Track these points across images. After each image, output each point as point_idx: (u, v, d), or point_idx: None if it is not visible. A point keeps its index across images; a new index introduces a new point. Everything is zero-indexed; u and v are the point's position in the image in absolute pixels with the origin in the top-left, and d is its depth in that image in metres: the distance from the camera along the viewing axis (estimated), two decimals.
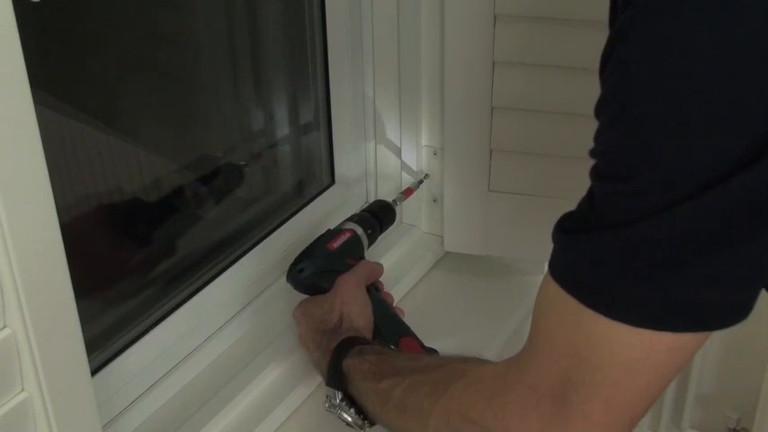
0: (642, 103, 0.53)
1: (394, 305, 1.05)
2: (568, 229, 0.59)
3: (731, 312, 0.56)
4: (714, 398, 1.74)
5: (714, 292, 0.55)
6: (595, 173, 0.57)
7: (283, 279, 1.04)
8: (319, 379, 0.95)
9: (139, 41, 0.93)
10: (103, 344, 0.88)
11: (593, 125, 0.60)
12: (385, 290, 1.06)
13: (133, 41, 0.92)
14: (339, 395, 0.86)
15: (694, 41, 0.50)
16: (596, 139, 0.57)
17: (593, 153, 0.57)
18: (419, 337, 0.98)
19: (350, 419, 0.85)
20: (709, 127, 0.51)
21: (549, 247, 0.62)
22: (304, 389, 0.97)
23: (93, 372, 0.80)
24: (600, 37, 0.57)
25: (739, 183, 0.51)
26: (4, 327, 0.58)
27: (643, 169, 0.53)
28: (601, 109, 0.56)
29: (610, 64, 0.55)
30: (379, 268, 1.05)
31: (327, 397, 0.88)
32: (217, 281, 1.01)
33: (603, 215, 0.56)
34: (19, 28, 0.53)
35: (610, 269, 0.56)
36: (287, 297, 1.04)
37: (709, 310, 0.56)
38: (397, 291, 1.13)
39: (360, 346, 0.88)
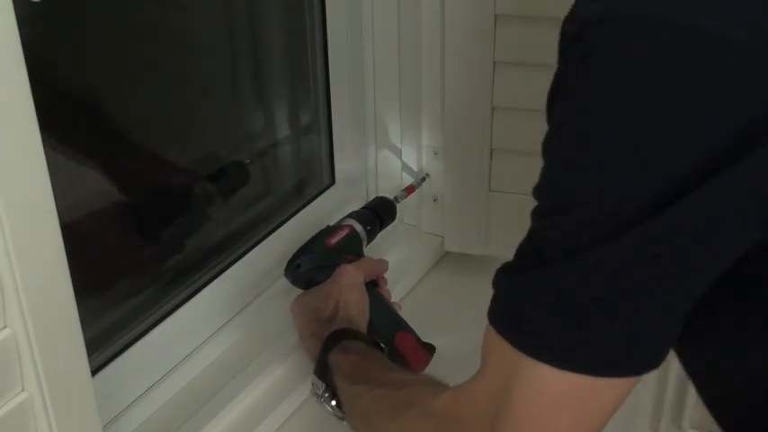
0: (572, 146, 0.56)
1: (392, 301, 1.05)
2: (499, 271, 0.62)
3: (644, 359, 0.57)
4: None
5: (628, 337, 0.56)
6: (533, 210, 0.59)
7: (284, 279, 1.04)
8: None
9: (140, 42, 0.93)
10: (103, 344, 0.88)
11: None
12: (386, 287, 1.06)
13: (133, 42, 0.92)
14: (323, 386, 0.89)
15: (617, 96, 0.53)
16: (540, 176, 0.59)
17: (534, 191, 0.60)
18: (418, 335, 0.99)
19: (330, 410, 0.88)
20: (630, 168, 0.53)
21: None
22: (304, 389, 0.97)
23: (94, 372, 0.80)
24: None
25: (662, 222, 0.52)
26: (5, 327, 0.58)
27: (570, 205, 0.56)
28: (544, 148, 0.59)
29: (553, 107, 0.58)
30: (381, 265, 1.05)
31: (313, 385, 0.90)
32: (217, 281, 1.01)
33: (537, 251, 0.58)
34: (19, 28, 0.53)
35: (522, 309, 0.59)
36: (288, 297, 1.04)
37: (622, 355, 0.56)
38: (398, 291, 1.13)
39: (347, 341, 0.90)
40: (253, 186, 1.13)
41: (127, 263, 0.97)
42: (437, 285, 1.20)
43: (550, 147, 0.58)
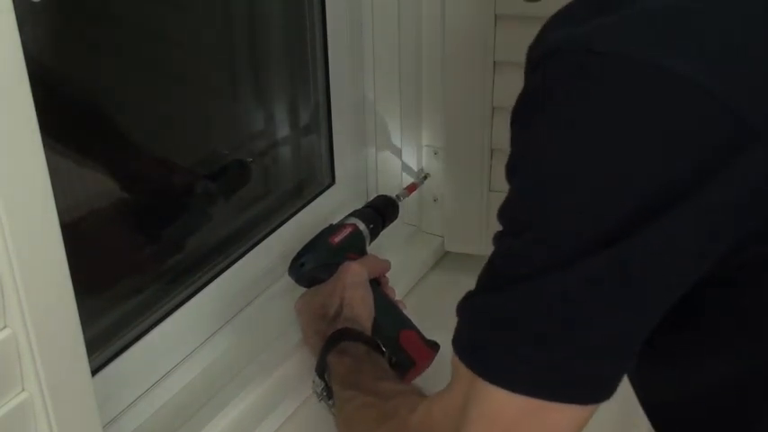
0: (530, 173, 0.57)
1: (396, 299, 1.04)
2: (463, 298, 0.63)
3: (594, 387, 0.57)
4: None
5: (579, 363, 0.56)
6: (495, 235, 0.60)
7: (285, 278, 1.04)
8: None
9: (140, 42, 0.93)
10: (103, 344, 0.88)
11: None
12: (389, 285, 1.06)
13: (133, 42, 0.92)
14: (321, 384, 0.89)
15: (576, 124, 0.54)
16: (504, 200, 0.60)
17: (497, 214, 0.60)
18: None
19: (328, 408, 0.89)
20: (586, 196, 0.54)
21: None
22: (304, 389, 0.97)
23: (94, 372, 0.80)
24: None
25: (611, 254, 0.53)
26: (5, 327, 0.58)
27: (527, 229, 0.56)
28: (506, 171, 0.60)
29: (514, 127, 0.60)
30: (384, 263, 1.05)
31: (314, 383, 0.91)
32: (218, 280, 1.01)
33: (496, 276, 0.59)
34: (19, 28, 0.53)
35: (476, 330, 0.60)
36: (288, 297, 1.04)
37: (572, 381, 0.56)
38: (398, 291, 1.12)
39: (346, 342, 0.90)
40: (253, 186, 1.13)
41: (127, 263, 0.97)
42: (437, 285, 1.20)
43: (511, 171, 0.59)
